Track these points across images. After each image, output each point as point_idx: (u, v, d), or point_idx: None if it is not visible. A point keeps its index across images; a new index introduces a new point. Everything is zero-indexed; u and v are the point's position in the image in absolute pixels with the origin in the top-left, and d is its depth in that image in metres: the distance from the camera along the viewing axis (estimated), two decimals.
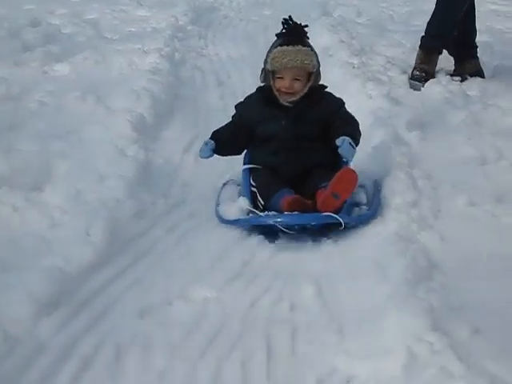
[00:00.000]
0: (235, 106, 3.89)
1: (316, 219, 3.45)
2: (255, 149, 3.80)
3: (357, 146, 3.58)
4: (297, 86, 3.68)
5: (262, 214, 3.51)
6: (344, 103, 3.79)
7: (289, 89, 3.68)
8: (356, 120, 3.73)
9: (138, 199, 3.61)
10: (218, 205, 3.70)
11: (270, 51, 3.72)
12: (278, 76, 3.69)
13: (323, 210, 3.41)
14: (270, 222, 3.46)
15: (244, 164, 3.81)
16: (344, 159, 3.60)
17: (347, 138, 3.50)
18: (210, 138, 3.75)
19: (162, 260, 3.29)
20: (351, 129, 3.63)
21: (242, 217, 3.55)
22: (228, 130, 3.80)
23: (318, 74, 3.76)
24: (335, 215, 3.39)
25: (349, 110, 3.77)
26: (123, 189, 3.61)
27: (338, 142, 3.51)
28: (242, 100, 3.89)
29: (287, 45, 3.67)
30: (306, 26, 3.78)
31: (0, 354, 2.43)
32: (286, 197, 3.48)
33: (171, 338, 2.68)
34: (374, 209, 3.55)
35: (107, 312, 2.84)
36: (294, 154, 3.66)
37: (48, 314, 2.68)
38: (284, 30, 3.75)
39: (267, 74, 3.74)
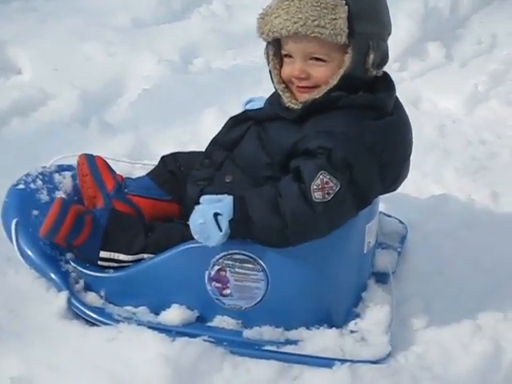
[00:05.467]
0: None
1: None
2: None
3: (236, 230, 1.94)
4: (317, 72, 2.00)
5: None
6: (332, 149, 1.94)
7: (299, 78, 2.02)
8: (293, 196, 1.94)
9: None
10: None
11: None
12: (286, 54, 2.05)
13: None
14: None
15: None
16: None
17: (229, 199, 1.93)
18: None
19: None
20: (258, 197, 1.97)
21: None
22: None
23: (363, 50, 1.96)
24: None
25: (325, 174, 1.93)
26: None
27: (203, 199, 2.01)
28: None
29: None
30: None
31: None
32: None
33: None
34: None
35: None
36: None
37: None
38: None
39: (267, 54, 2.11)
